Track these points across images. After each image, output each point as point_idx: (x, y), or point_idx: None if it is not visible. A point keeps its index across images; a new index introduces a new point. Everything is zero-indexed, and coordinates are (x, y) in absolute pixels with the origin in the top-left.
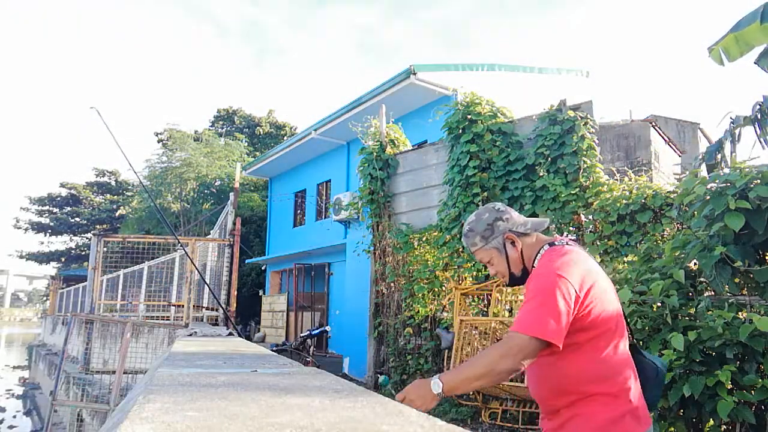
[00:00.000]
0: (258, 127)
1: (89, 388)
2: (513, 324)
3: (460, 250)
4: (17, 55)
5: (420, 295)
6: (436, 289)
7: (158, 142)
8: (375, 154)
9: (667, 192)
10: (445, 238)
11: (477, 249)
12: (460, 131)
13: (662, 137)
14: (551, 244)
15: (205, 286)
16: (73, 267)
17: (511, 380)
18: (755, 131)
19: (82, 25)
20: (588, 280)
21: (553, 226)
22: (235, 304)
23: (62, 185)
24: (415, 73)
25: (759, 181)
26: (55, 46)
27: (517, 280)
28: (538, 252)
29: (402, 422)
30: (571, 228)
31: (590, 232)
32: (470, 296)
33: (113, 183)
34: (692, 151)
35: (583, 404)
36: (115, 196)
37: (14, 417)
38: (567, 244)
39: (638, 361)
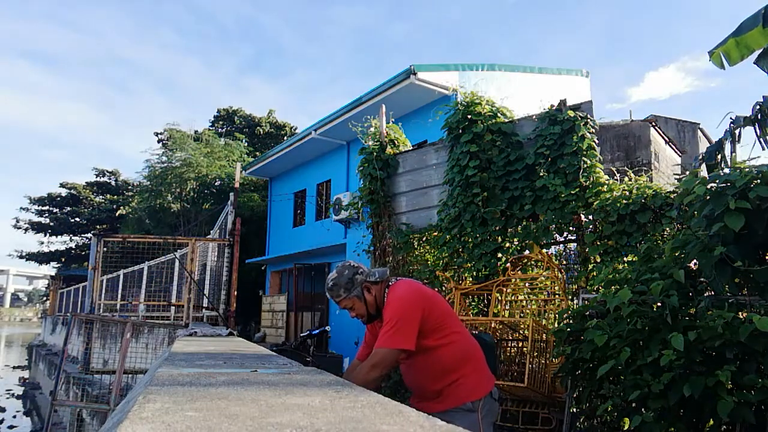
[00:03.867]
0: (258, 127)
1: (89, 388)
2: (379, 341)
3: (460, 250)
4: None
5: None
6: (436, 289)
7: (158, 142)
8: (375, 154)
9: (667, 192)
10: (445, 238)
11: (341, 299)
12: (460, 131)
13: (662, 137)
14: (388, 285)
15: (205, 286)
16: (73, 267)
17: (511, 380)
18: (755, 131)
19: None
20: (423, 299)
21: (553, 226)
22: (235, 304)
23: (62, 185)
24: (415, 73)
25: (759, 181)
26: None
27: (373, 317)
28: (383, 296)
29: (402, 422)
30: (571, 228)
31: (590, 232)
32: (470, 296)
33: (113, 183)
34: (692, 151)
35: (458, 382)
36: (115, 196)
37: (14, 417)
38: (398, 281)
39: (477, 339)
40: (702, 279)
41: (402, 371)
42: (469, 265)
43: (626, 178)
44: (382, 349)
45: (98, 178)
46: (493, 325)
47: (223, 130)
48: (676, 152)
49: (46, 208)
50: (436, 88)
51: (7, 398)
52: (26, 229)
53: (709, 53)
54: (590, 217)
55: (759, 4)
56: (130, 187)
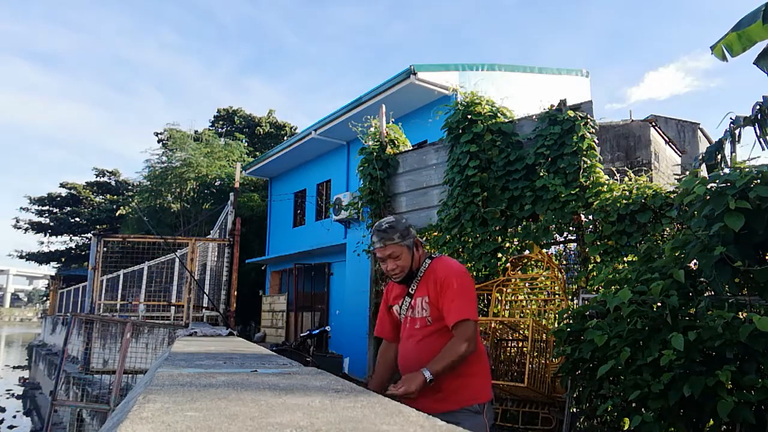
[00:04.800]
0: (258, 127)
1: (89, 388)
2: (458, 312)
3: (460, 250)
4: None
5: None
6: None
7: (158, 142)
8: (375, 154)
9: (667, 192)
10: (445, 238)
11: (392, 243)
12: (460, 131)
13: (662, 137)
14: (430, 257)
15: (205, 286)
16: (73, 267)
17: (511, 380)
18: (755, 131)
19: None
20: None
21: (553, 226)
22: (234, 304)
23: (62, 185)
24: (415, 73)
25: (759, 181)
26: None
27: (406, 279)
28: (423, 261)
29: (402, 422)
30: (570, 228)
31: (590, 232)
32: None
33: (113, 183)
34: (692, 151)
35: (468, 381)
36: (115, 196)
37: (14, 417)
38: (441, 255)
39: None
40: (702, 279)
41: (405, 350)
42: (469, 265)
43: (626, 178)
44: (469, 321)
45: (98, 178)
46: (493, 325)
47: (223, 130)
48: (676, 152)
49: (46, 208)
50: (436, 88)
51: (7, 398)
52: (26, 229)
53: (711, 47)
54: (590, 217)
55: (759, 2)
56: (130, 187)
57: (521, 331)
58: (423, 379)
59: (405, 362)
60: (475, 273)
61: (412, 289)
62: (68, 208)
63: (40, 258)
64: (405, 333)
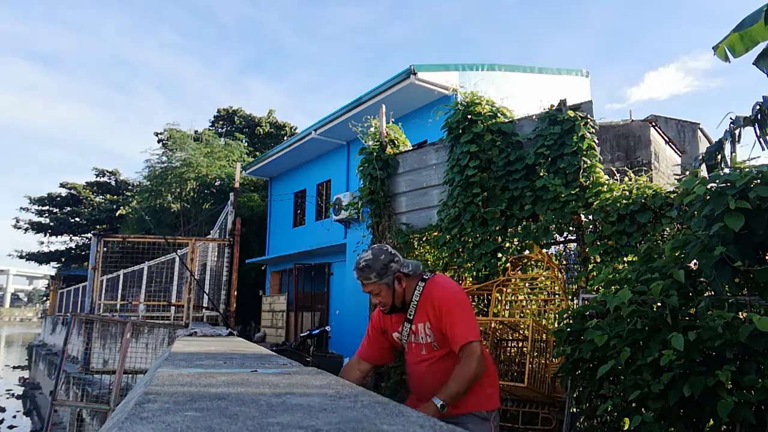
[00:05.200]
0: (258, 127)
1: (89, 388)
2: (462, 336)
3: (460, 250)
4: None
5: None
6: None
7: (158, 142)
8: (375, 154)
9: (667, 192)
10: (445, 238)
11: (370, 282)
12: (460, 131)
13: (662, 137)
14: (423, 279)
15: (205, 286)
16: (73, 267)
17: (511, 380)
18: (755, 131)
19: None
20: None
21: (553, 226)
22: (235, 304)
23: (62, 185)
24: (415, 73)
25: (759, 181)
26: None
27: (396, 309)
28: (416, 285)
29: (402, 422)
30: (571, 228)
31: (590, 232)
32: (470, 296)
33: (113, 183)
34: (692, 151)
35: (476, 389)
36: (115, 196)
37: (14, 417)
38: (435, 274)
39: None
40: (702, 279)
41: (417, 375)
42: (469, 265)
43: (626, 178)
44: (475, 342)
45: (98, 178)
46: (493, 325)
47: (223, 130)
48: (676, 152)
49: (46, 208)
50: (436, 88)
51: (7, 398)
52: (26, 229)
53: (713, 48)
54: (590, 217)
55: (759, 2)
56: (130, 187)
57: (521, 331)
58: (434, 407)
59: (419, 386)
60: (475, 273)
61: (410, 315)
62: (68, 208)
63: (40, 258)
64: (412, 358)
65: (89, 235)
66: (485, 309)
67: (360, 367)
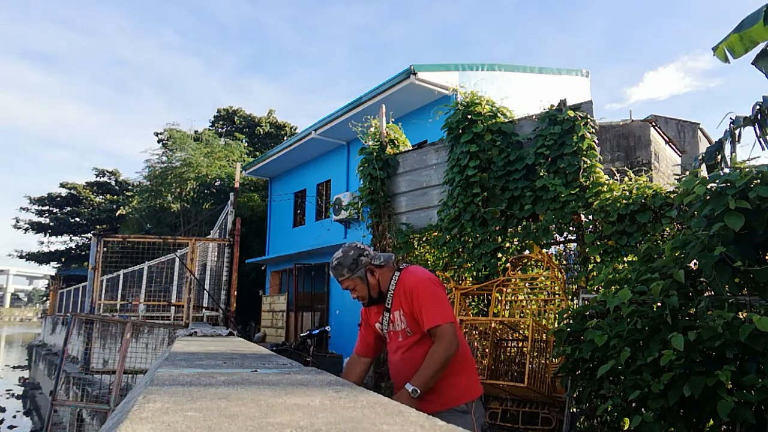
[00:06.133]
0: (258, 127)
1: (89, 388)
2: (431, 319)
3: (460, 250)
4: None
5: None
6: None
7: (158, 142)
8: (375, 154)
9: (667, 192)
10: (445, 238)
11: (344, 278)
12: (460, 131)
13: (662, 137)
14: (398, 269)
15: (205, 286)
16: (73, 267)
17: (511, 380)
18: (755, 131)
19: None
20: (442, 283)
21: (553, 226)
22: (235, 304)
23: (62, 185)
24: (415, 73)
25: (759, 181)
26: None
27: (375, 300)
28: (392, 276)
29: (402, 422)
30: (571, 228)
31: (590, 232)
32: (470, 296)
33: (113, 183)
34: (692, 151)
35: (454, 381)
36: (115, 196)
37: (14, 417)
38: (409, 266)
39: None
40: (702, 279)
41: (393, 363)
42: (469, 265)
43: (626, 178)
44: (445, 324)
45: (98, 178)
46: (493, 325)
47: (223, 130)
48: (676, 152)
49: (46, 208)
50: (436, 88)
51: (7, 398)
52: (26, 229)
53: (713, 49)
54: (590, 217)
55: (759, 2)
56: (130, 187)
57: (521, 331)
58: (407, 394)
59: (395, 375)
60: (475, 273)
61: (388, 305)
62: (68, 208)
63: (40, 258)
64: (391, 347)
65: (89, 235)
66: (485, 309)
67: (359, 363)
